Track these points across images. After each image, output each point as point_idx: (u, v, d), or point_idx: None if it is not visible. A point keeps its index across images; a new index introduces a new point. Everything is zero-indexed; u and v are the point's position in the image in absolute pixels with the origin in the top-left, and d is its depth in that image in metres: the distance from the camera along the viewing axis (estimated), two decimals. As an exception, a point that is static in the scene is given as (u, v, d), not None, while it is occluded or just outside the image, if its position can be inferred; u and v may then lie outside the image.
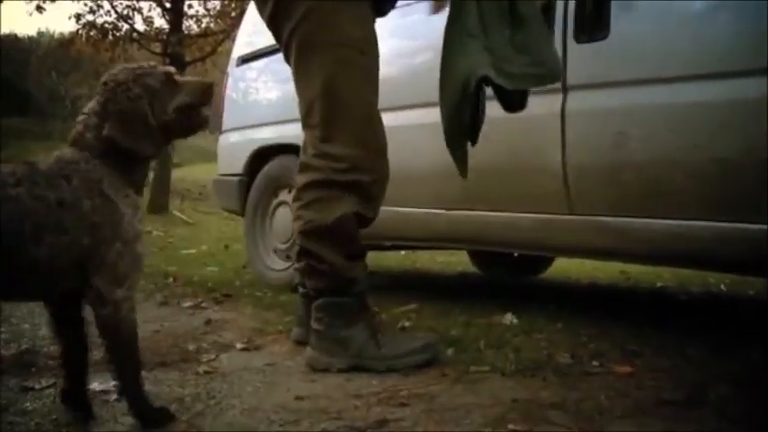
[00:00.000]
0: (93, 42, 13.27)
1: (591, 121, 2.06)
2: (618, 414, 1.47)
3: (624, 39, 1.97)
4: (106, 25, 13.30)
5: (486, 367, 1.82)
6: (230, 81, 3.81)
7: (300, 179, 1.98)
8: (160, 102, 1.44)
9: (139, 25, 13.51)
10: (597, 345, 2.04)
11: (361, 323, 1.90)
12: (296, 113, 3.14)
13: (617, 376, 1.75)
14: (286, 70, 3.35)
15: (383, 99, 2.01)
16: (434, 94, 1.93)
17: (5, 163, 1.35)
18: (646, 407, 1.51)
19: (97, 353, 1.99)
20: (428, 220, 2.57)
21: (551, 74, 1.85)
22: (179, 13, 13.13)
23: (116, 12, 13.26)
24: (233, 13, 13.11)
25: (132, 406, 1.40)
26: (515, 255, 3.58)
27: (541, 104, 2.13)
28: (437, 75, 1.91)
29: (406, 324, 2.40)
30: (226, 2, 13.73)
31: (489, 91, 1.89)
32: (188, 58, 13.10)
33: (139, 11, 13.53)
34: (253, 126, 3.54)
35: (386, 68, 2.06)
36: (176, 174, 13.97)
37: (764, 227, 1.70)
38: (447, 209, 2.51)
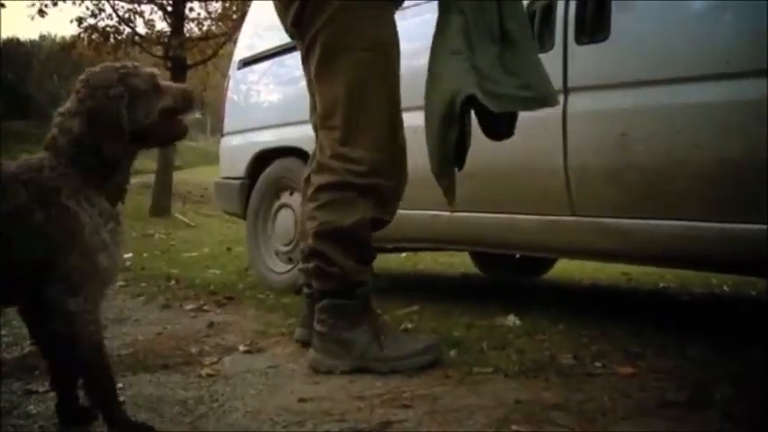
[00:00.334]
0: (95, 46, 13.28)
1: (592, 122, 2.06)
2: (620, 415, 1.47)
3: (625, 40, 1.98)
4: (108, 29, 13.33)
5: (489, 368, 1.82)
6: (232, 84, 3.82)
7: (317, 180, 1.96)
8: (144, 104, 1.39)
9: (141, 28, 13.54)
10: (599, 346, 2.04)
11: (365, 325, 1.90)
12: (297, 116, 3.17)
13: (619, 377, 1.75)
14: (287, 73, 3.40)
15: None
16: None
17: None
18: (648, 408, 1.51)
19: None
20: (430, 221, 2.57)
21: (540, 98, 1.79)
22: (180, 16, 13.14)
23: (118, 15, 13.28)
24: (234, 16, 13.13)
25: (107, 421, 1.34)
26: (517, 256, 3.57)
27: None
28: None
29: (409, 326, 2.40)
30: (227, 5, 13.74)
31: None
32: (189, 62, 13.12)
33: (141, 14, 13.55)
34: (254, 129, 3.54)
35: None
36: (178, 176, 13.99)
37: (765, 227, 1.70)
38: (449, 210, 2.51)
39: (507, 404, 1.55)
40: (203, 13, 14.28)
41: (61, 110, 1.38)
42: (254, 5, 4.05)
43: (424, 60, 1.91)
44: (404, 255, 4.87)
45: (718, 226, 1.81)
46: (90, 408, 1.48)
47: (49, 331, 1.36)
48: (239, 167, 3.55)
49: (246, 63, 3.73)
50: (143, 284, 3.68)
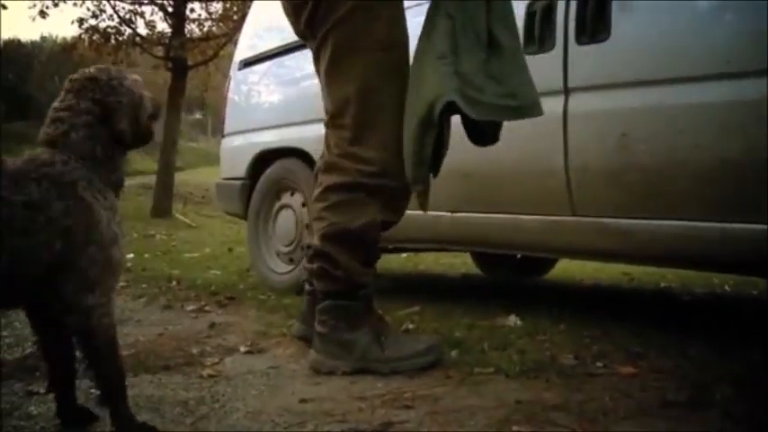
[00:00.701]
0: (96, 47, 13.28)
1: (593, 122, 2.06)
2: (622, 415, 1.47)
3: (626, 40, 1.97)
4: (109, 30, 13.32)
5: (490, 369, 1.82)
6: (232, 84, 3.82)
7: (326, 179, 1.95)
8: (142, 105, 1.46)
9: (142, 29, 13.53)
10: (601, 346, 2.04)
11: (366, 326, 1.90)
12: (298, 117, 3.18)
13: (621, 377, 1.75)
14: (288, 73, 3.40)
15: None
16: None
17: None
18: (650, 408, 1.51)
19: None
20: (431, 222, 2.57)
21: (523, 107, 1.76)
22: (181, 16, 13.15)
23: (119, 16, 13.28)
24: (235, 17, 13.12)
25: (114, 421, 1.35)
26: (518, 256, 3.57)
27: (544, 106, 2.14)
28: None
29: (410, 326, 2.40)
30: (228, 5, 13.74)
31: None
32: (190, 62, 13.13)
33: (142, 15, 13.55)
34: (255, 130, 3.54)
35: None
36: (179, 177, 13.99)
37: (766, 227, 1.70)
38: (450, 211, 2.51)
39: (508, 404, 1.55)
40: (204, 14, 14.28)
41: (62, 106, 1.38)
42: (254, 6, 4.06)
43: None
44: (405, 255, 4.87)
45: (719, 226, 1.81)
46: (89, 409, 1.49)
47: (58, 327, 1.37)
48: (240, 168, 3.55)
49: (247, 64, 3.73)
50: (144, 285, 3.68)
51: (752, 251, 1.75)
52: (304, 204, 3.14)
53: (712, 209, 1.84)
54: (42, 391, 1.69)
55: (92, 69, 1.44)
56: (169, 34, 13.19)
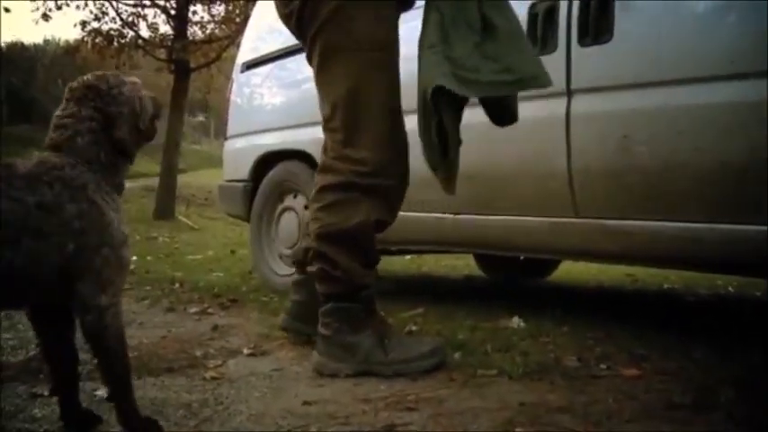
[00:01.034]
0: (99, 49, 13.30)
1: (595, 124, 2.06)
2: (626, 417, 1.47)
3: (628, 42, 1.97)
4: (111, 32, 13.34)
5: (494, 371, 1.82)
6: (235, 87, 3.83)
7: (320, 180, 1.96)
8: (142, 110, 1.49)
9: (144, 32, 13.55)
10: (604, 348, 2.04)
11: (369, 329, 1.90)
12: (300, 119, 3.17)
13: (624, 379, 1.74)
14: (290, 76, 3.40)
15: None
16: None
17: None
18: (654, 410, 1.51)
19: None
20: (434, 224, 2.57)
21: (524, 79, 1.77)
22: (183, 19, 13.16)
23: (121, 19, 13.30)
24: (237, 20, 13.13)
25: (120, 415, 1.36)
26: (521, 258, 3.57)
27: (546, 108, 2.14)
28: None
29: (413, 328, 2.40)
30: (230, 8, 13.76)
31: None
32: (193, 65, 13.14)
33: (144, 17, 13.56)
34: (258, 132, 3.55)
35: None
36: (182, 179, 14.00)
37: (767, 228, 1.70)
38: (453, 213, 2.51)
39: (512, 407, 1.54)
40: (206, 17, 14.29)
41: (65, 113, 1.41)
42: (257, 9, 4.06)
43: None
44: (408, 257, 4.87)
45: (722, 227, 1.81)
46: (93, 411, 1.49)
47: (61, 330, 1.40)
48: (243, 170, 3.56)
49: (250, 66, 3.74)
50: (147, 288, 3.69)
51: (754, 252, 1.75)
52: (307, 207, 3.15)
53: (714, 210, 1.84)
54: (46, 393, 1.69)
55: (90, 77, 1.46)
56: (172, 37, 13.20)
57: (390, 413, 1.53)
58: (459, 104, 1.81)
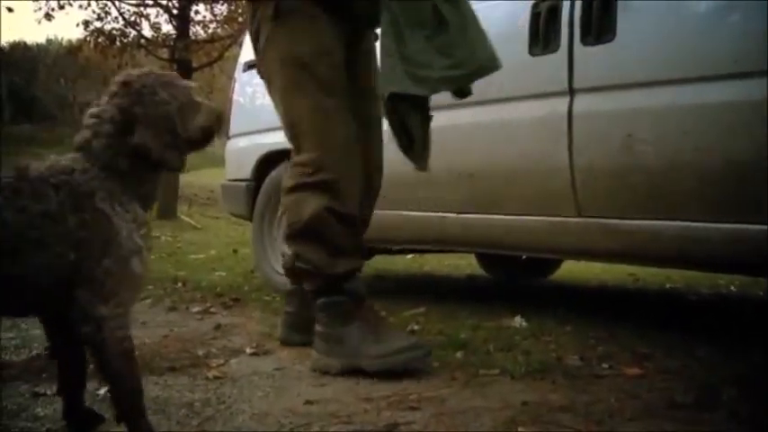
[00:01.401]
0: (101, 49, 13.32)
1: (598, 123, 2.06)
2: (628, 416, 1.47)
3: (631, 41, 1.97)
4: (114, 32, 13.35)
5: (496, 370, 1.82)
6: (237, 86, 3.82)
7: (282, 188, 2.10)
8: (184, 116, 1.36)
9: (147, 31, 13.56)
10: (606, 347, 2.04)
11: (356, 321, 1.92)
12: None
13: (627, 378, 1.74)
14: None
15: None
16: (441, 98, 1.93)
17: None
18: (656, 409, 1.51)
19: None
20: (437, 223, 2.57)
21: (471, 74, 1.87)
22: (186, 19, 13.17)
23: (124, 18, 13.31)
24: (240, 19, 13.13)
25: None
26: (523, 257, 3.57)
27: (549, 107, 2.14)
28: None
29: (415, 327, 2.40)
30: (233, 7, 13.76)
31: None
32: (195, 64, 13.14)
33: (147, 17, 13.58)
34: (260, 131, 3.54)
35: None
36: (184, 179, 14.00)
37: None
38: (455, 212, 2.51)
39: (514, 406, 1.55)
40: (209, 16, 14.30)
41: (94, 111, 1.34)
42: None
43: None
44: (410, 256, 4.86)
45: (725, 227, 1.81)
46: (95, 411, 1.48)
47: (70, 331, 1.30)
48: (245, 169, 3.56)
49: (252, 65, 3.72)
50: (150, 287, 3.69)
51: (757, 252, 1.74)
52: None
53: (717, 209, 1.84)
54: (48, 392, 1.70)
55: (133, 71, 1.37)
56: (174, 36, 13.21)
57: (393, 412, 1.53)
58: (422, 99, 1.90)
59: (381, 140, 2.16)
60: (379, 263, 4.05)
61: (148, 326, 2.65)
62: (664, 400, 1.55)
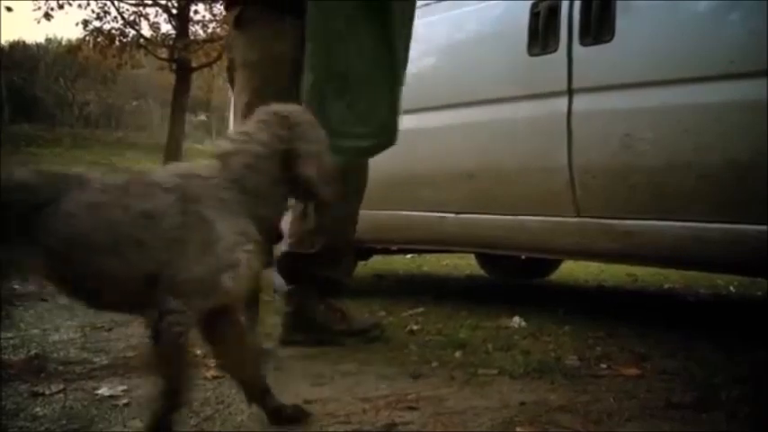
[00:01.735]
0: (101, 49, 13.34)
1: (597, 123, 2.06)
2: (626, 416, 1.47)
3: (629, 40, 1.97)
4: (113, 31, 13.38)
5: (495, 370, 1.82)
6: (237, 86, 3.82)
7: None
8: (321, 159, 1.42)
9: (146, 31, 13.59)
10: (605, 347, 2.04)
11: (323, 305, 2.10)
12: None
13: (625, 378, 1.74)
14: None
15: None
16: (441, 98, 1.94)
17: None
18: (654, 409, 1.51)
19: (105, 357, 2.01)
20: (436, 223, 2.57)
21: (379, 144, 1.95)
22: (185, 18, 13.19)
23: (123, 18, 13.34)
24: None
25: (151, 422, 1.30)
26: (522, 257, 3.57)
27: (548, 107, 2.14)
28: (443, 78, 1.92)
29: (414, 327, 2.40)
30: (232, 7, 13.76)
31: None
32: (194, 64, 13.18)
33: (146, 17, 13.60)
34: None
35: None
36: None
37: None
38: (454, 212, 2.51)
39: (512, 405, 1.55)
40: (208, 16, 14.31)
41: (245, 129, 1.40)
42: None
43: (427, 62, 1.91)
44: (409, 256, 4.86)
45: (723, 227, 1.81)
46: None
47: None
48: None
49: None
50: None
51: (756, 252, 1.75)
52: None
53: (716, 209, 1.84)
54: (48, 392, 1.70)
55: (284, 106, 1.43)
56: (173, 36, 13.23)
57: (391, 412, 1.53)
58: None
59: None
60: (378, 263, 4.05)
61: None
62: (662, 401, 1.55)
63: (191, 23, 13.69)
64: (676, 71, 1.88)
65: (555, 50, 2.13)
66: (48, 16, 13.07)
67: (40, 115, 17.21)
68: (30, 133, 15.06)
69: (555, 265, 3.95)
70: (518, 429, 1.40)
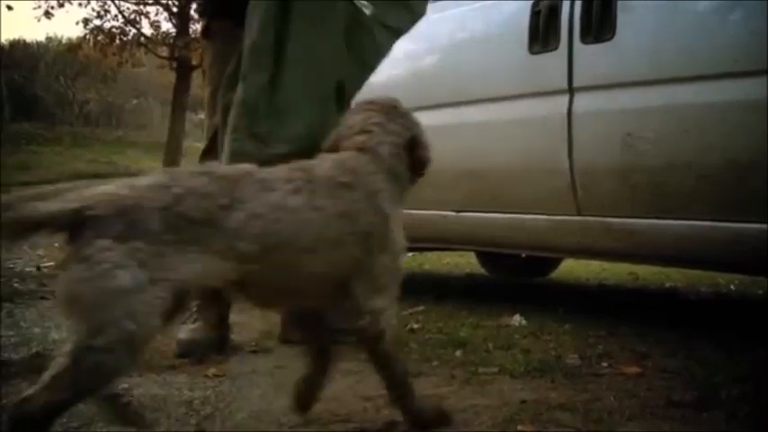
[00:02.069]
0: (101, 47, 13.33)
1: (598, 122, 2.06)
2: (627, 415, 1.47)
3: (630, 39, 1.97)
4: (114, 30, 13.37)
5: (495, 369, 1.82)
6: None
7: None
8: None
9: (146, 29, 13.58)
10: (605, 346, 2.04)
11: None
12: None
13: (626, 377, 1.74)
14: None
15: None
16: (441, 96, 1.93)
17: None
18: (655, 408, 1.51)
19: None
20: (437, 221, 2.57)
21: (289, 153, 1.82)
22: (186, 16, 13.17)
23: (123, 16, 13.33)
24: (239, 17, 13.13)
25: (406, 415, 1.38)
26: (523, 256, 3.57)
27: (548, 106, 2.14)
28: (443, 77, 1.91)
29: (415, 326, 2.40)
30: (232, 5, 13.75)
31: None
32: (195, 62, 13.15)
33: (146, 15, 13.59)
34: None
35: (394, 71, 2.06)
36: (184, 177, 14.01)
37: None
38: (455, 210, 2.51)
39: (513, 404, 1.55)
40: (209, 14, 14.28)
41: (377, 120, 1.45)
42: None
43: (428, 61, 1.91)
44: (410, 255, 4.86)
45: (725, 225, 1.81)
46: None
47: (325, 326, 1.44)
48: (245, 168, 3.55)
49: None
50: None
51: (756, 251, 1.74)
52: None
53: (717, 208, 1.84)
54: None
55: (390, 97, 1.52)
56: (174, 34, 13.22)
57: (391, 410, 1.53)
58: None
59: None
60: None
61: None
62: (662, 399, 1.55)
63: (191, 22, 13.66)
64: (677, 70, 1.87)
65: (556, 48, 2.13)
66: (48, 15, 13.08)
67: (40, 114, 17.19)
68: (30, 132, 15.06)
69: (555, 263, 3.95)
70: (519, 428, 1.41)
